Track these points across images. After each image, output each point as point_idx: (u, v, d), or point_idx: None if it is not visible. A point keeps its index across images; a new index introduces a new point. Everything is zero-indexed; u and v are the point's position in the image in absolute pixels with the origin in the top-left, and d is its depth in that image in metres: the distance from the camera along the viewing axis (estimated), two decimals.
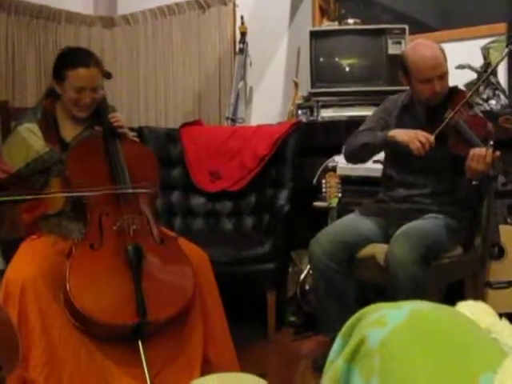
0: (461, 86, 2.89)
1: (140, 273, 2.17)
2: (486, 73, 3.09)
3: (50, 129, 2.42)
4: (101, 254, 2.22)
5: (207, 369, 2.31)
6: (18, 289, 2.07)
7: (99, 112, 2.49)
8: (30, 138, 2.38)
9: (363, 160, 2.87)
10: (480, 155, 2.38)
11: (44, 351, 2.06)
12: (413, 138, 2.51)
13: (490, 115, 2.95)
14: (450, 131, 2.52)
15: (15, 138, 2.42)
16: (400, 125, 2.73)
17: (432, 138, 2.49)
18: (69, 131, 2.47)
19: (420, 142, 2.48)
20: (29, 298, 2.07)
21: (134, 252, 2.19)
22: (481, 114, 2.67)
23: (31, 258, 2.19)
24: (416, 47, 2.64)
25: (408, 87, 2.74)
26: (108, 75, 2.52)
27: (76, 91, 2.38)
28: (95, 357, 2.14)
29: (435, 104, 2.61)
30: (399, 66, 2.70)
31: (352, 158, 2.85)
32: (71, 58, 2.42)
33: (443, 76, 2.57)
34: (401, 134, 2.57)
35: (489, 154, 2.37)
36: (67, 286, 2.09)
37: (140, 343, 2.11)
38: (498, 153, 2.37)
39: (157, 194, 2.66)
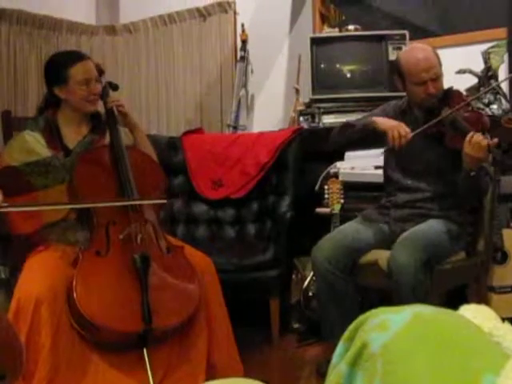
0: (462, 91, 2.89)
1: (147, 281, 2.17)
2: (487, 77, 3.09)
3: (53, 137, 2.44)
4: (107, 261, 2.23)
5: (212, 374, 2.31)
6: (31, 304, 2.06)
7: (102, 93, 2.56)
8: (33, 142, 2.40)
9: (341, 143, 2.84)
10: (476, 141, 2.37)
11: (51, 368, 2.05)
12: (393, 127, 2.52)
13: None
14: (447, 128, 2.52)
15: (17, 139, 2.45)
16: None
17: (410, 135, 2.50)
18: (71, 138, 2.49)
19: (399, 133, 2.49)
20: (43, 314, 2.06)
21: (141, 261, 2.20)
22: (475, 109, 2.67)
23: (43, 272, 2.18)
24: (409, 51, 2.70)
25: (404, 92, 2.74)
26: (115, 87, 2.64)
27: (84, 84, 2.41)
28: (98, 369, 2.14)
29: (431, 105, 2.61)
30: (394, 71, 2.72)
31: (333, 140, 2.82)
32: (66, 59, 2.46)
33: (437, 78, 2.58)
34: (382, 121, 2.59)
35: (484, 140, 2.35)
36: (74, 294, 2.08)
37: (145, 351, 2.12)
38: (495, 140, 2.36)
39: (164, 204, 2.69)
